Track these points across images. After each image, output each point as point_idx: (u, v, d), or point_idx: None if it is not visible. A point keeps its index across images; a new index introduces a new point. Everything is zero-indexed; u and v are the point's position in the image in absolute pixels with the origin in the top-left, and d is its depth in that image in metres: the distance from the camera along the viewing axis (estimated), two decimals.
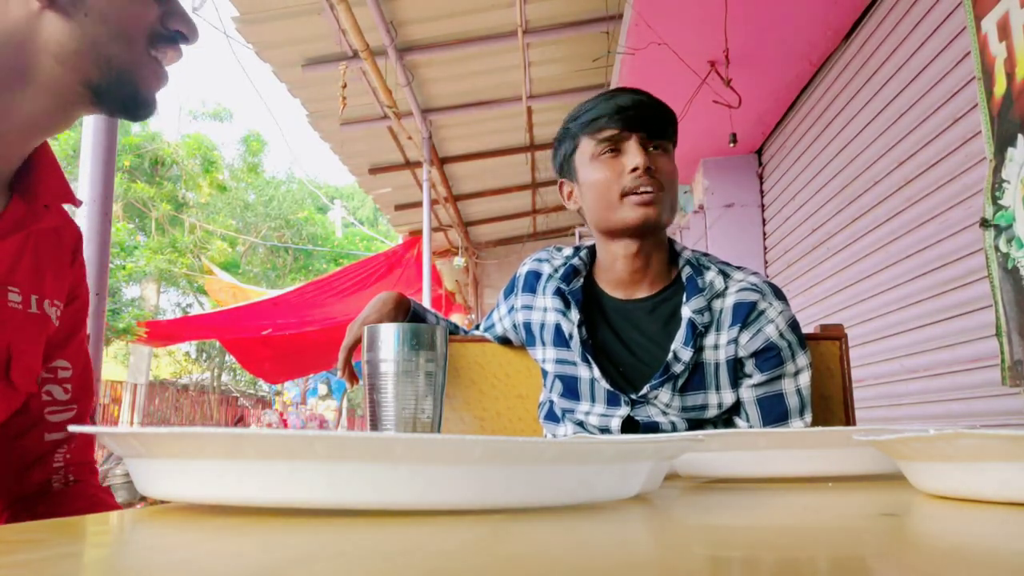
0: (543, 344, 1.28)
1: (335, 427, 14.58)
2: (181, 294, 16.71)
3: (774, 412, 1.17)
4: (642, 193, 1.14)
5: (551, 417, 1.32)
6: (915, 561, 0.33)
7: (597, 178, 1.18)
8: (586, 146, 1.20)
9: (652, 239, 1.20)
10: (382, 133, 5.32)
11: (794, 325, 1.18)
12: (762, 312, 1.16)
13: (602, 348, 1.23)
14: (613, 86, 3.96)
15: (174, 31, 0.82)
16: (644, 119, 1.16)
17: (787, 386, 1.18)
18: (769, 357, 1.16)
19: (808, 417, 1.18)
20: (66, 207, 0.90)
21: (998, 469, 0.47)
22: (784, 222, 4.53)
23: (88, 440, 0.96)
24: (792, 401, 1.18)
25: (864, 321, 3.41)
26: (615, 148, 1.17)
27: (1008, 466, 0.47)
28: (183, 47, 0.84)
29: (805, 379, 1.18)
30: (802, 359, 1.18)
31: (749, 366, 1.17)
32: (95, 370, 1.88)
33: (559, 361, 1.25)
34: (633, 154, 1.15)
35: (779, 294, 1.20)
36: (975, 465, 0.49)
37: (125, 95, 0.80)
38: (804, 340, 1.20)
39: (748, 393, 1.18)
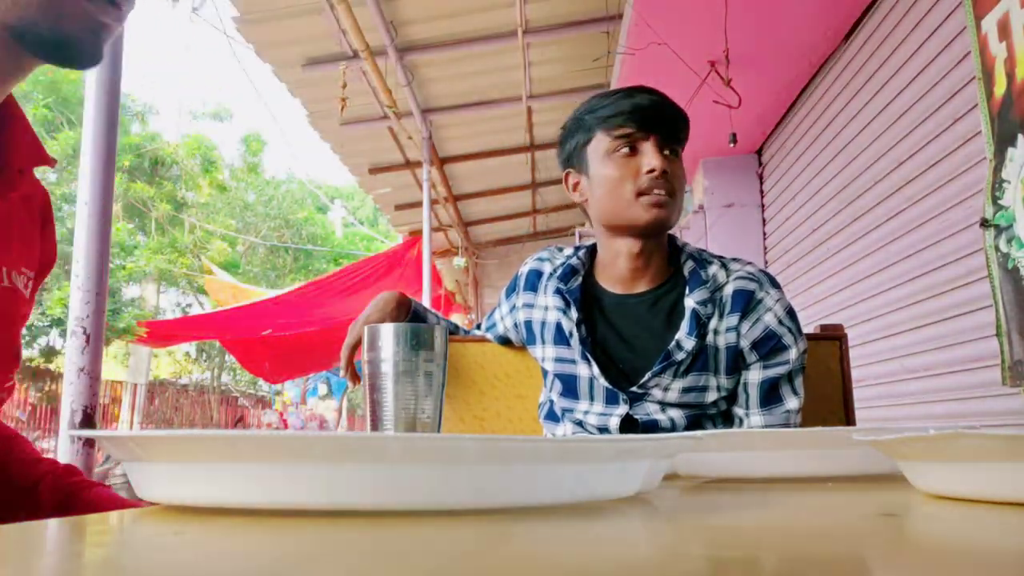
0: (543, 343, 1.28)
1: (335, 427, 14.58)
2: (181, 294, 16.68)
3: (770, 396, 1.20)
4: (656, 195, 1.16)
5: (551, 417, 1.32)
6: (915, 561, 0.33)
7: (611, 175, 1.18)
8: (601, 140, 1.20)
9: (656, 239, 1.22)
10: (382, 133, 5.31)
11: (791, 312, 1.22)
12: (760, 301, 1.19)
13: (601, 345, 1.24)
14: (613, 86, 3.96)
15: None
16: (662, 121, 1.18)
17: (780, 371, 1.20)
18: (768, 344, 1.19)
19: (799, 401, 1.21)
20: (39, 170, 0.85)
21: (998, 469, 0.47)
22: (784, 222, 4.52)
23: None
24: (785, 387, 1.20)
25: (864, 321, 3.41)
26: (631, 147, 1.17)
27: (1008, 466, 0.46)
28: None
29: (799, 364, 1.21)
30: (801, 344, 1.21)
31: (750, 355, 1.19)
32: (95, 369, 1.88)
33: (559, 360, 1.25)
34: (651, 156, 1.16)
35: (775, 283, 1.23)
36: (975, 465, 0.49)
37: (47, 39, 0.71)
38: (800, 327, 1.23)
39: (747, 377, 1.21)
